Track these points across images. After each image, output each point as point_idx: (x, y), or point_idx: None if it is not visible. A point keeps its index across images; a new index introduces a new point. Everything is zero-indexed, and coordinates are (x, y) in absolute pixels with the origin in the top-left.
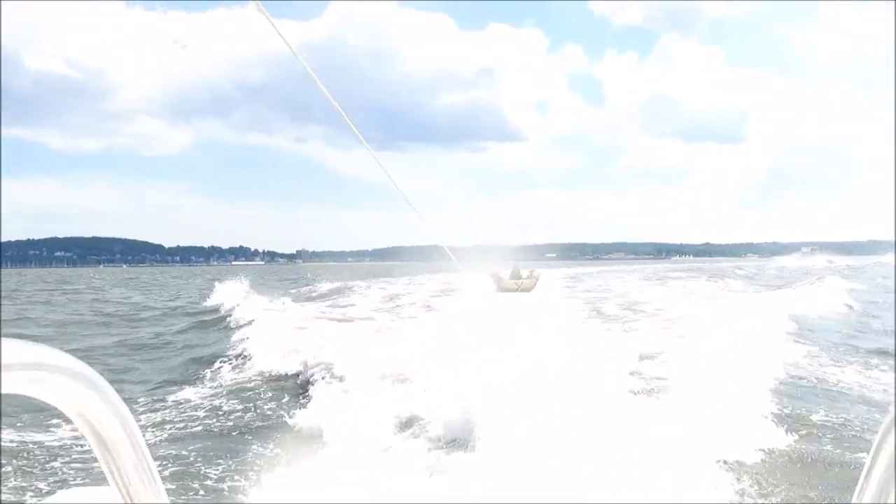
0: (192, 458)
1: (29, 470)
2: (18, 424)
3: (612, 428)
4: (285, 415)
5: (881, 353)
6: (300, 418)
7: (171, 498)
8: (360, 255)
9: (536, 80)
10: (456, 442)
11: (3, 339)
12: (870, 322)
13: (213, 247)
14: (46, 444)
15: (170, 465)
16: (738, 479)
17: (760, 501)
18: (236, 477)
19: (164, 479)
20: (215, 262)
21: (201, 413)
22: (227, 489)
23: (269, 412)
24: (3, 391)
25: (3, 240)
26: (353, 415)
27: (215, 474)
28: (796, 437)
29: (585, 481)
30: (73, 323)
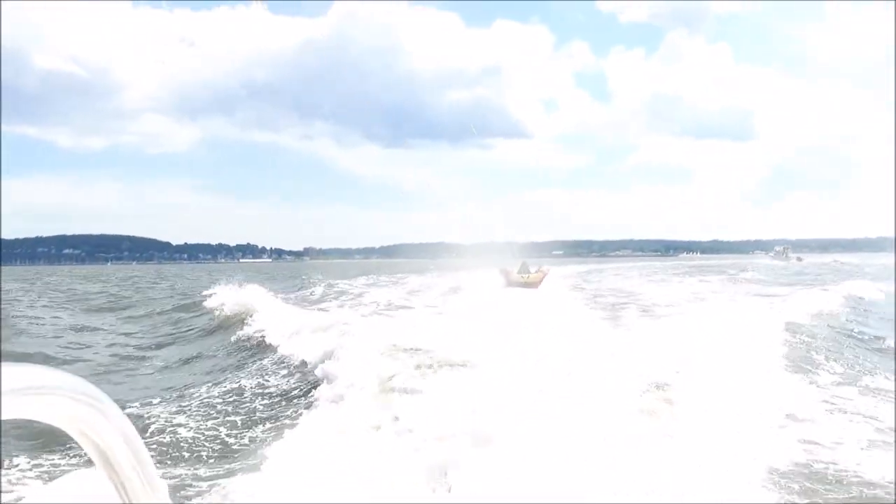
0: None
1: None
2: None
3: (617, 427)
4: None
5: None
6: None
7: None
8: (367, 252)
9: (543, 77)
10: (459, 443)
11: (3, 363)
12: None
13: (220, 244)
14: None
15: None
16: (762, 480)
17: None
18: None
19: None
20: (223, 260)
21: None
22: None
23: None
24: (5, 416)
25: (12, 237)
26: (352, 416)
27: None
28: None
29: (588, 481)
30: None
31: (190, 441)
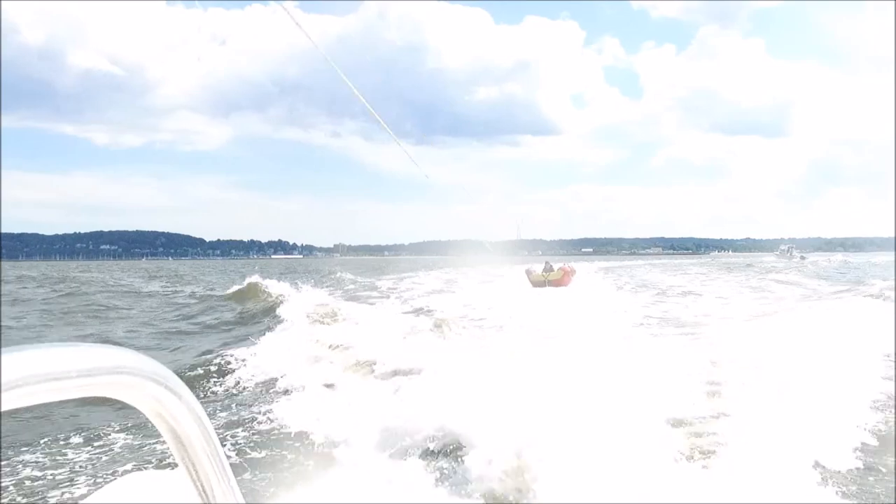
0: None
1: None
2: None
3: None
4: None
5: None
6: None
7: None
8: (396, 248)
9: (573, 73)
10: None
11: (87, 344)
12: None
13: (252, 240)
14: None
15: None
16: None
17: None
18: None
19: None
20: (255, 256)
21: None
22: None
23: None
24: (89, 394)
25: (52, 233)
26: (360, 416)
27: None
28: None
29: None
30: None
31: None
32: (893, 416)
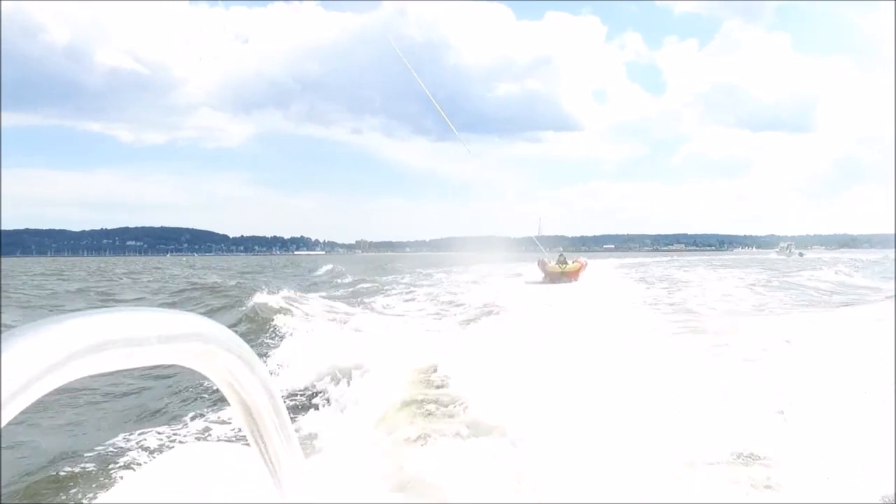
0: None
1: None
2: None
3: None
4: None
5: None
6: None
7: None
8: (417, 245)
9: (594, 69)
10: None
11: (164, 310)
12: None
13: (275, 237)
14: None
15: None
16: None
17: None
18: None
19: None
20: (278, 252)
21: None
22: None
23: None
24: (165, 361)
25: (79, 229)
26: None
27: None
28: None
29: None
30: None
31: None
32: (893, 415)
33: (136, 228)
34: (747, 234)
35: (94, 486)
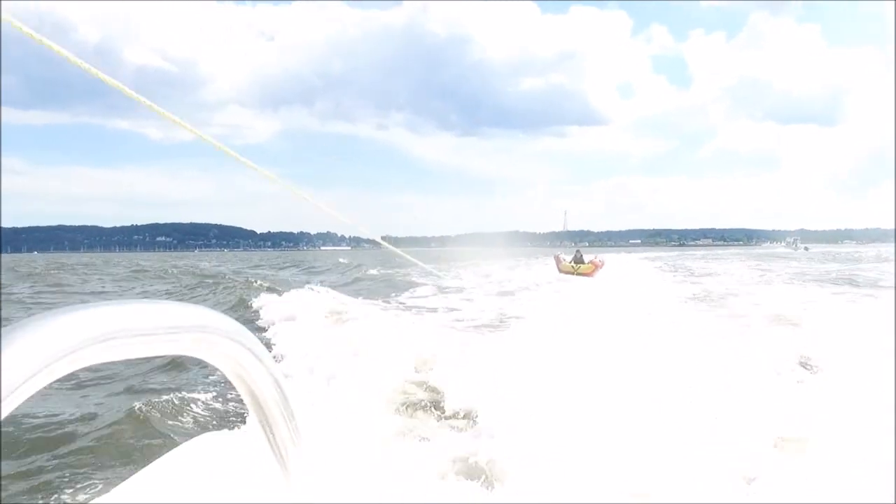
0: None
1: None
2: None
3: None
4: None
5: None
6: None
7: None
8: (442, 240)
9: (620, 62)
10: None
11: (172, 302)
12: None
13: (301, 232)
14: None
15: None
16: None
17: None
18: None
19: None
20: (304, 247)
21: None
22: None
23: None
24: (173, 352)
25: (110, 225)
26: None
27: None
28: None
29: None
30: None
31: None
32: (893, 413)
33: (165, 224)
34: (775, 228)
35: (102, 480)
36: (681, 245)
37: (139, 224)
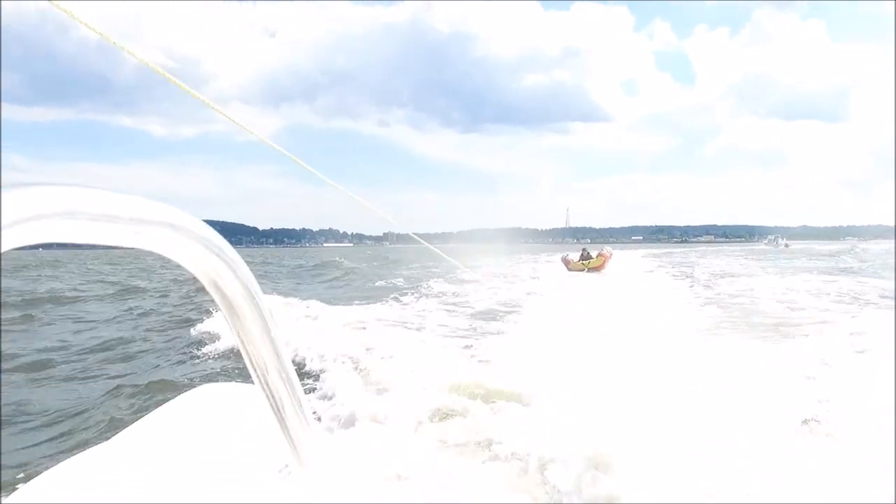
0: None
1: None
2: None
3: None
4: None
5: None
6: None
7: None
8: (445, 237)
9: (623, 59)
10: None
11: (133, 195)
12: None
13: (304, 229)
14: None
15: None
16: None
17: None
18: None
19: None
20: (307, 244)
21: None
22: None
23: None
24: (139, 246)
25: None
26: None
27: None
28: None
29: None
30: None
31: None
32: (893, 411)
33: None
34: (778, 225)
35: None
36: (683, 242)
37: None
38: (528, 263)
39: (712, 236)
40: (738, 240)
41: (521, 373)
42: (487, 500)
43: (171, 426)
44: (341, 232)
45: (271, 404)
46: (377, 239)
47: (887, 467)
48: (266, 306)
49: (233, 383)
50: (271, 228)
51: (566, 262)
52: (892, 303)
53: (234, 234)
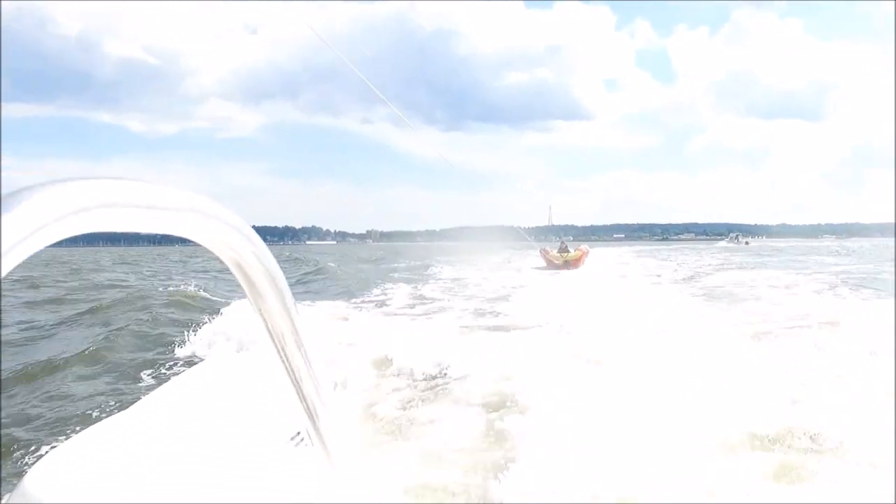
0: None
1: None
2: None
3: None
4: None
5: None
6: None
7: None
8: (429, 235)
9: (605, 57)
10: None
11: (167, 186)
12: None
13: (286, 227)
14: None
15: None
16: None
17: None
18: None
19: None
20: (290, 242)
21: None
22: None
23: None
24: (173, 232)
25: None
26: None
27: None
28: None
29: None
30: None
31: None
32: (893, 412)
33: None
34: (758, 223)
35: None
36: (664, 239)
37: None
38: (514, 262)
39: (693, 234)
40: (718, 237)
41: (515, 375)
42: (491, 499)
43: (189, 394)
44: (324, 230)
45: (289, 375)
46: (360, 237)
47: (887, 468)
48: (286, 287)
49: (247, 353)
50: (253, 226)
51: (544, 252)
52: (892, 301)
53: None
